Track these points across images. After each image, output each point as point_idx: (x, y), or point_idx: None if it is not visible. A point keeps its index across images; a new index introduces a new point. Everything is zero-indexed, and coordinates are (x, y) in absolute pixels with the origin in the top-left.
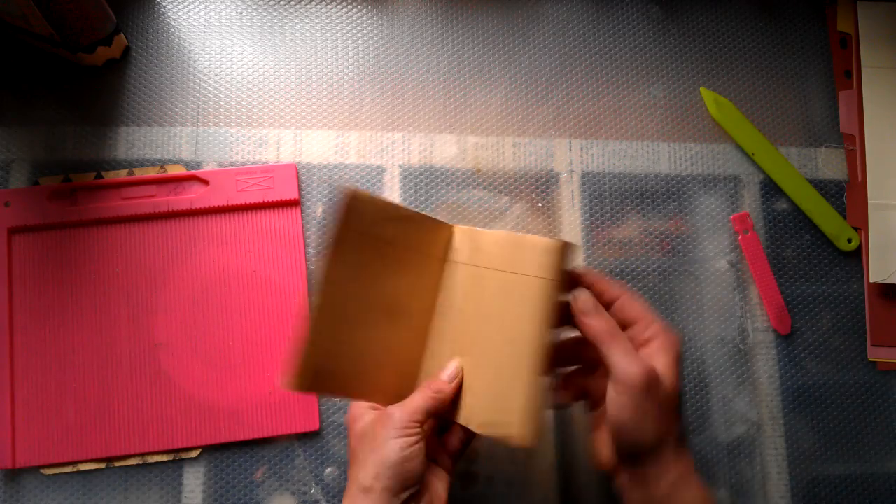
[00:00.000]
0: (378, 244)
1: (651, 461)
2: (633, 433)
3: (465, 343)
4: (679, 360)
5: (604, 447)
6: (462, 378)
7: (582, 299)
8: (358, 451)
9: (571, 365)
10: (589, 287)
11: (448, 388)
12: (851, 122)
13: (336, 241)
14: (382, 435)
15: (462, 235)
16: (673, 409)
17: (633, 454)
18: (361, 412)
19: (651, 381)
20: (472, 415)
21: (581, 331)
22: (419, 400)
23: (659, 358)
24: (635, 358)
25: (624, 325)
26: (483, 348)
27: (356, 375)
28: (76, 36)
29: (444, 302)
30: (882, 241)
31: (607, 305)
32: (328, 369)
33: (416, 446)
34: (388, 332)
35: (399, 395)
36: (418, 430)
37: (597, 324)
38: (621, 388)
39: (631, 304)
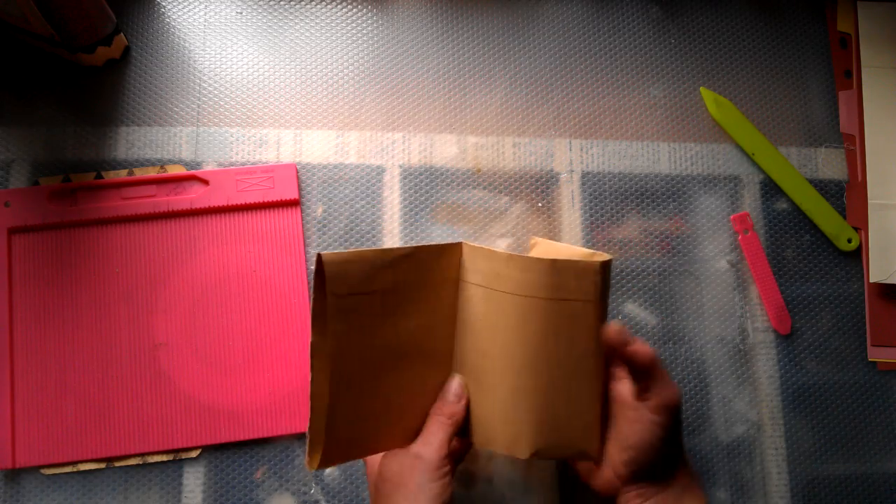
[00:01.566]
0: (374, 298)
1: (668, 476)
2: (665, 450)
3: (484, 367)
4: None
5: (607, 471)
6: (468, 397)
7: (617, 329)
8: (388, 500)
9: None
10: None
11: (459, 409)
12: (851, 122)
13: (316, 313)
14: (416, 482)
15: (474, 255)
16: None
17: (651, 472)
18: (377, 460)
19: (681, 403)
20: (491, 438)
21: (625, 359)
22: (439, 432)
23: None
24: (669, 380)
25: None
26: (514, 371)
27: (372, 435)
28: (76, 36)
29: (460, 326)
30: (882, 241)
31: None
32: (339, 441)
33: (451, 486)
34: (407, 377)
35: (418, 431)
36: (448, 467)
37: (644, 349)
38: (663, 409)
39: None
